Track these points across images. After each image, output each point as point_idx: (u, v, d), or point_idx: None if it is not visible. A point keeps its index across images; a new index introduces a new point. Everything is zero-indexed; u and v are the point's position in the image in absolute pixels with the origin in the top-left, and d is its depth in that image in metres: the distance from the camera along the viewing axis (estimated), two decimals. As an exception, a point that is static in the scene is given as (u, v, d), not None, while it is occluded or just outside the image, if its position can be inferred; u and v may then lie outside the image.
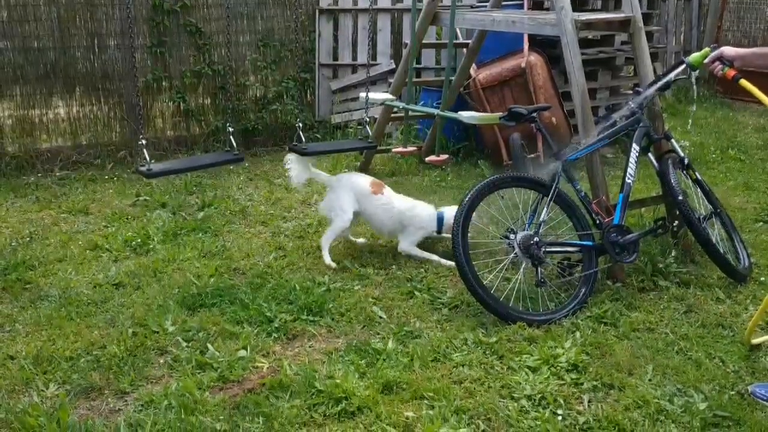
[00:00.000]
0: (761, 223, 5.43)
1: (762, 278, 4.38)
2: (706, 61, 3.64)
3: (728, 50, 3.49)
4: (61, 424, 2.86)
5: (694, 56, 3.86)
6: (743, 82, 3.46)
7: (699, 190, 4.64)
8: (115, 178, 6.53)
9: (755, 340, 3.56)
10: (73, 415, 2.99)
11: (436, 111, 5.56)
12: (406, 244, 4.68)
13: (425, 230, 4.68)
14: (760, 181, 6.52)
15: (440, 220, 4.64)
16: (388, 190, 4.75)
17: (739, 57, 3.45)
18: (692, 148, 7.47)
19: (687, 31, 11.15)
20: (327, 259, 4.56)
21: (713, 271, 4.40)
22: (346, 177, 4.87)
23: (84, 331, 3.70)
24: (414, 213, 4.68)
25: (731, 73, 3.42)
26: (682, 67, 4.16)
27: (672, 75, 4.31)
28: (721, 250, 4.31)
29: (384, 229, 4.75)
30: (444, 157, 5.75)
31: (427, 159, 5.69)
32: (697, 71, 4.00)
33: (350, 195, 4.66)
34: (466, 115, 5.00)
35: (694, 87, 4.56)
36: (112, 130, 7.21)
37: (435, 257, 4.63)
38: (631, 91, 8.46)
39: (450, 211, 4.51)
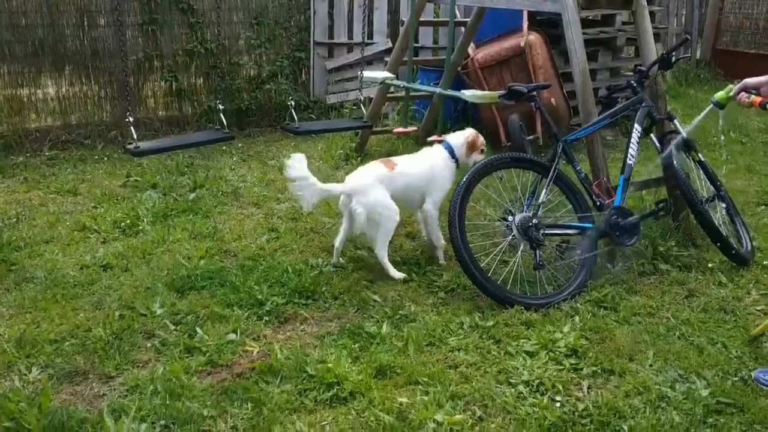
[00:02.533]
0: (763, 207, 5.34)
1: (765, 262, 4.29)
2: (731, 95, 3.60)
3: (750, 80, 3.47)
4: (42, 409, 2.75)
5: (720, 95, 3.80)
6: None
7: (702, 172, 4.53)
8: (105, 158, 6.40)
9: (755, 330, 3.47)
10: (55, 399, 2.90)
11: (437, 90, 5.42)
12: (433, 204, 4.28)
13: (450, 171, 4.35)
14: (762, 164, 6.43)
15: (450, 150, 4.38)
16: (397, 160, 4.37)
17: (763, 83, 3.41)
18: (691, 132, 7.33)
19: (688, 12, 11.00)
20: (393, 271, 4.07)
21: (715, 255, 4.31)
22: (361, 174, 4.23)
23: (69, 314, 3.59)
24: (433, 163, 4.32)
25: (757, 100, 3.39)
26: (709, 108, 4.06)
27: (702, 115, 4.22)
28: (724, 234, 4.22)
29: (416, 199, 4.33)
30: (445, 136, 5.61)
31: (428, 140, 5.55)
32: (724, 110, 3.90)
33: (381, 187, 4.12)
34: (468, 94, 4.88)
35: (721, 127, 4.51)
36: (103, 110, 7.06)
37: (441, 241, 4.29)
38: (631, 72, 8.38)
39: (453, 138, 4.42)
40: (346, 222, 4.20)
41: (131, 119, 3.89)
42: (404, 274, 4.03)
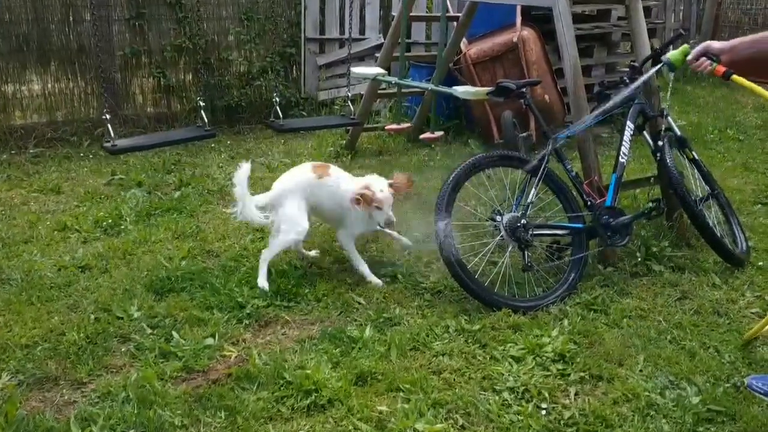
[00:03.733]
0: (760, 206, 5.24)
1: (760, 263, 4.19)
2: (689, 58, 3.23)
3: (714, 44, 3.11)
4: (8, 418, 2.66)
5: (674, 55, 3.51)
6: (736, 77, 3.06)
7: (696, 170, 4.43)
8: (90, 156, 6.30)
9: (747, 334, 3.36)
10: (23, 407, 2.79)
11: (429, 86, 5.31)
12: (346, 237, 4.03)
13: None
14: (759, 162, 6.32)
15: None
16: (333, 170, 4.04)
17: (728, 48, 3.02)
18: (690, 127, 7.25)
19: (686, 7, 10.89)
20: (262, 279, 3.79)
21: (709, 256, 4.21)
22: (287, 178, 4.00)
23: (43, 317, 3.49)
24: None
25: (721, 69, 3.04)
26: (659, 66, 3.84)
27: (646, 75, 4.01)
28: (718, 234, 4.11)
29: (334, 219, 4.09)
30: (439, 134, 5.53)
31: (421, 136, 5.45)
32: (674, 72, 3.64)
33: (298, 197, 3.87)
34: (460, 90, 4.77)
35: (671, 86, 4.32)
36: (89, 106, 6.95)
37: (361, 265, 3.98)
38: (627, 68, 8.28)
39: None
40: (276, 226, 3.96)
41: (108, 116, 3.78)
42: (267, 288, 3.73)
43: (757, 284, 3.96)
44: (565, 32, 4.31)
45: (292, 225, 3.81)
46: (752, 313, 3.65)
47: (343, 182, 3.96)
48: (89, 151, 6.43)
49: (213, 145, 6.55)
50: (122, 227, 4.67)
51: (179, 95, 7.28)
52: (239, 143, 6.89)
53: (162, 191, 5.39)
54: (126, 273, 3.99)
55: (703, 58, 3.13)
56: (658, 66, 3.88)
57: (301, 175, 3.97)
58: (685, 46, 3.39)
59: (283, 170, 5.95)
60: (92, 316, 3.48)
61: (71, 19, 6.67)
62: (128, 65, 6.97)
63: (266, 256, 3.83)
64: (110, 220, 4.73)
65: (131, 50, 6.88)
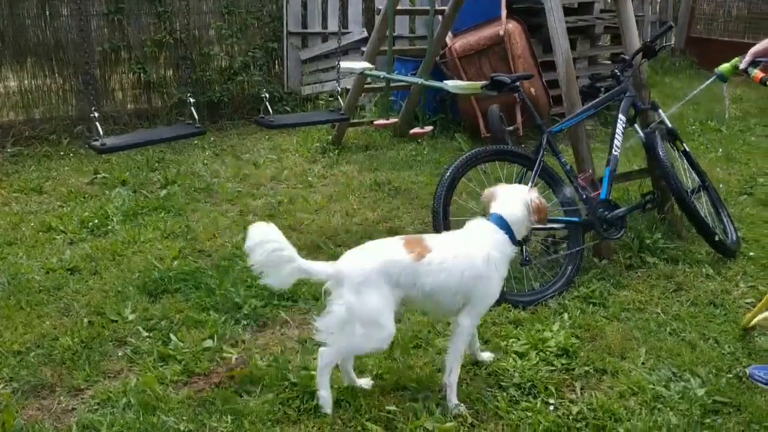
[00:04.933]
0: (745, 196, 5.31)
1: (751, 253, 4.24)
2: (741, 67, 3.30)
3: (754, 48, 3.18)
4: (6, 427, 2.58)
5: (725, 66, 3.53)
6: None
7: (686, 162, 4.46)
8: (71, 154, 6.15)
9: (744, 322, 3.40)
10: (20, 416, 2.71)
11: (419, 80, 5.26)
12: (471, 318, 2.80)
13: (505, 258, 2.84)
14: (741, 153, 6.41)
15: (504, 225, 2.83)
16: (431, 242, 2.77)
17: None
18: (671, 119, 7.29)
19: (663, 0, 10.99)
20: (324, 391, 2.72)
21: (701, 247, 4.25)
22: (362, 256, 2.71)
23: (35, 322, 3.39)
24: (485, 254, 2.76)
25: (759, 76, 3.13)
26: (712, 78, 3.86)
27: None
28: (710, 225, 4.15)
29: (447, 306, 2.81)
30: (428, 128, 5.49)
31: (411, 131, 5.40)
32: (726, 82, 3.69)
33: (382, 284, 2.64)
34: (451, 84, 4.73)
35: (727, 102, 4.30)
36: (68, 103, 6.79)
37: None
38: (608, 61, 8.34)
39: (505, 205, 2.88)
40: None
41: (96, 114, 3.68)
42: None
43: (750, 274, 4.00)
44: (557, 25, 4.29)
45: (373, 328, 2.62)
46: (747, 303, 3.68)
47: (454, 249, 2.75)
48: (69, 149, 6.28)
49: (196, 141, 6.44)
50: (109, 227, 4.56)
51: (160, 91, 7.14)
52: (223, 139, 6.79)
53: (147, 190, 5.28)
54: (117, 274, 3.90)
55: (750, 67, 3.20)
56: (711, 79, 3.84)
57: (389, 254, 2.69)
58: (736, 59, 3.40)
59: (270, 166, 5.95)
60: (85, 320, 3.40)
61: (48, 13, 6.49)
62: (107, 61, 6.82)
63: (328, 360, 2.70)
64: (96, 220, 4.62)
65: (110, 45, 6.72)
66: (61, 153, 6.17)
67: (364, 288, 2.60)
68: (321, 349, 2.70)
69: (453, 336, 2.78)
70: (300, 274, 2.65)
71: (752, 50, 3.23)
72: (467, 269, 2.70)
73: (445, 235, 2.94)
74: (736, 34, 11.17)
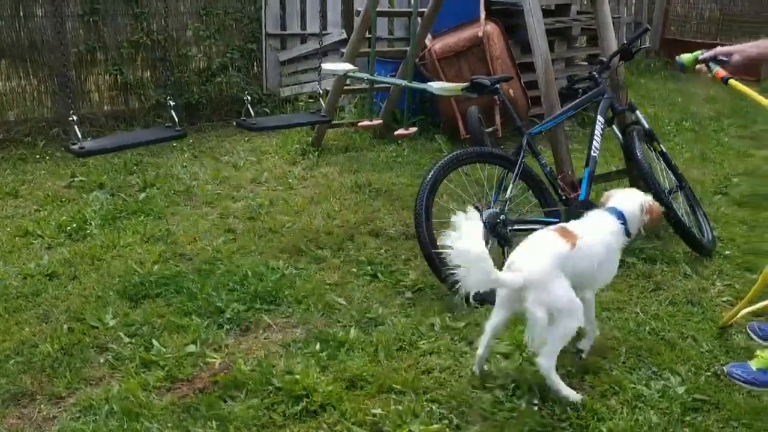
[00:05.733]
0: (720, 196, 5.40)
1: (727, 252, 4.31)
2: (700, 58, 3.31)
3: (722, 48, 3.22)
4: (-14, 437, 2.54)
5: (687, 56, 3.57)
6: (733, 82, 3.17)
7: (663, 163, 4.53)
8: (47, 157, 6.06)
9: (722, 321, 3.46)
10: (0, 425, 2.67)
11: (403, 82, 5.27)
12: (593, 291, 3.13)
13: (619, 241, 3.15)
14: (716, 153, 6.52)
15: (621, 216, 3.15)
16: (579, 230, 3.03)
17: (735, 50, 3.15)
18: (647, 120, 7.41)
19: (637, 2, 11.14)
20: (566, 390, 2.83)
21: (678, 246, 4.31)
22: (536, 257, 2.87)
23: (13, 329, 3.34)
24: (609, 239, 3.09)
25: (720, 74, 3.17)
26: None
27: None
28: (688, 225, 4.22)
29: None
30: (412, 129, 5.50)
31: (396, 133, 5.41)
32: (685, 72, 3.72)
33: (561, 275, 2.84)
34: (436, 86, 4.75)
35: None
36: (43, 106, 6.69)
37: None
38: (585, 62, 8.42)
39: (623, 201, 3.21)
40: (501, 316, 2.96)
41: (75, 118, 3.63)
42: (582, 395, 2.85)
43: (726, 273, 4.07)
44: (536, 26, 4.35)
45: (573, 310, 2.81)
46: (723, 301, 3.75)
47: (590, 237, 3.01)
48: (45, 152, 6.19)
49: (175, 144, 6.38)
50: (88, 231, 4.51)
51: (137, 93, 7.06)
52: (201, 141, 6.74)
53: (126, 193, 5.23)
54: (96, 279, 3.86)
55: (703, 65, 3.24)
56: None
57: (554, 247, 2.89)
58: (699, 51, 3.45)
59: (249, 168, 5.92)
60: (65, 326, 3.36)
61: (21, 14, 6.39)
62: (83, 62, 6.72)
63: (551, 362, 2.78)
64: (74, 225, 4.56)
65: (86, 46, 6.64)
66: (37, 156, 6.08)
67: (550, 284, 2.78)
68: (539, 359, 2.80)
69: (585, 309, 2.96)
70: (493, 284, 2.78)
71: (718, 48, 3.28)
72: (599, 254, 3.02)
73: (575, 223, 3.13)
74: (709, 35, 11.36)
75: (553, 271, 2.81)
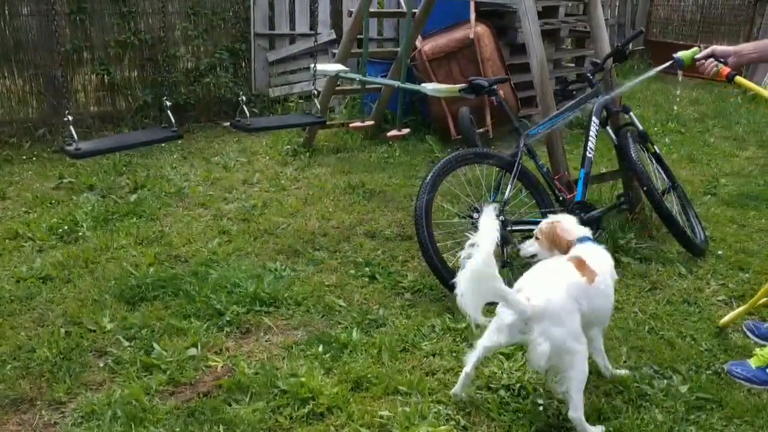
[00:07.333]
0: (709, 196, 5.46)
1: (719, 252, 4.36)
2: (698, 56, 3.33)
3: (718, 48, 3.25)
4: (-13, 444, 2.49)
5: (684, 54, 3.63)
6: (739, 79, 3.21)
7: (657, 164, 4.57)
8: (33, 158, 5.96)
9: (723, 321, 3.50)
10: (0, 432, 2.63)
11: (396, 83, 5.26)
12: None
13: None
14: (703, 154, 6.60)
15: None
16: (595, 264, 2.82)
17: (733, 51, 3.18)
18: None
19: (621, 4, 11.24)
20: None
21: (672, 246, 4.36)
22: (549, 286, 2.66)
23: (8, 333, 3.28)
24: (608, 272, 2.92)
25: (725, 71, 3.18)
26: (669, 63, 3.93)
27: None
28: (681, 225, 4.26)
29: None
30: (405, 130, 5.49)
31: (389, 134, 5.40)
32: (683, 69, 3.76)
33: (575, 309, 2.66)
34: (430, 87, 4.74)
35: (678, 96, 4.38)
36: (29, 106, 6.58)
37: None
38: (572, 64, 8.49)
39: (580, 230, 3.04)
40: (495, 342, 2.74)
41: (70, 118, 3.57)
42: (602, 428, 2.70)
43: (720, 272, 4.12)
44: (532, 28, 4.36)
45: (581, 346, 2.63)
46: (719, 300, 3.80)
47: (602, 272, 2.84)
48: (31, 153, 6.09)
49: (164, 144, 6.31)
50: (79, 233, 4.44)
51: (124, 93, 6.98)
52: (190, 142, 6.67)
53: (117, 194, 5.16)
54: (91, 282, 3.80)
55: (711, 60, 3.23)
56: (668, 63, 3.90)
57: (570, 280, 2.70)
58: (695, 48, 3.48)
59: (240, 170, 5.88)
60: (62, 330, 3.31)
61: (7, 13, 6.28)
62: (69, 62, 6.62)
63: (580, 411, 2.61)
64: (66, 227, 4.49)
65: (73, 46, 6.54)
66: (23, 157, 5.98)
67: (563, 316, 2.60)
68: (570, 414, 2.61)
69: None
70: (500, 300, 2.63)
71: (714, 47, 3.30)
72: (611, 291, 2.88)
73: (581, 254, 2.87)
74: (690, 37, 11.49)
75: (567, 303, 2.64)
